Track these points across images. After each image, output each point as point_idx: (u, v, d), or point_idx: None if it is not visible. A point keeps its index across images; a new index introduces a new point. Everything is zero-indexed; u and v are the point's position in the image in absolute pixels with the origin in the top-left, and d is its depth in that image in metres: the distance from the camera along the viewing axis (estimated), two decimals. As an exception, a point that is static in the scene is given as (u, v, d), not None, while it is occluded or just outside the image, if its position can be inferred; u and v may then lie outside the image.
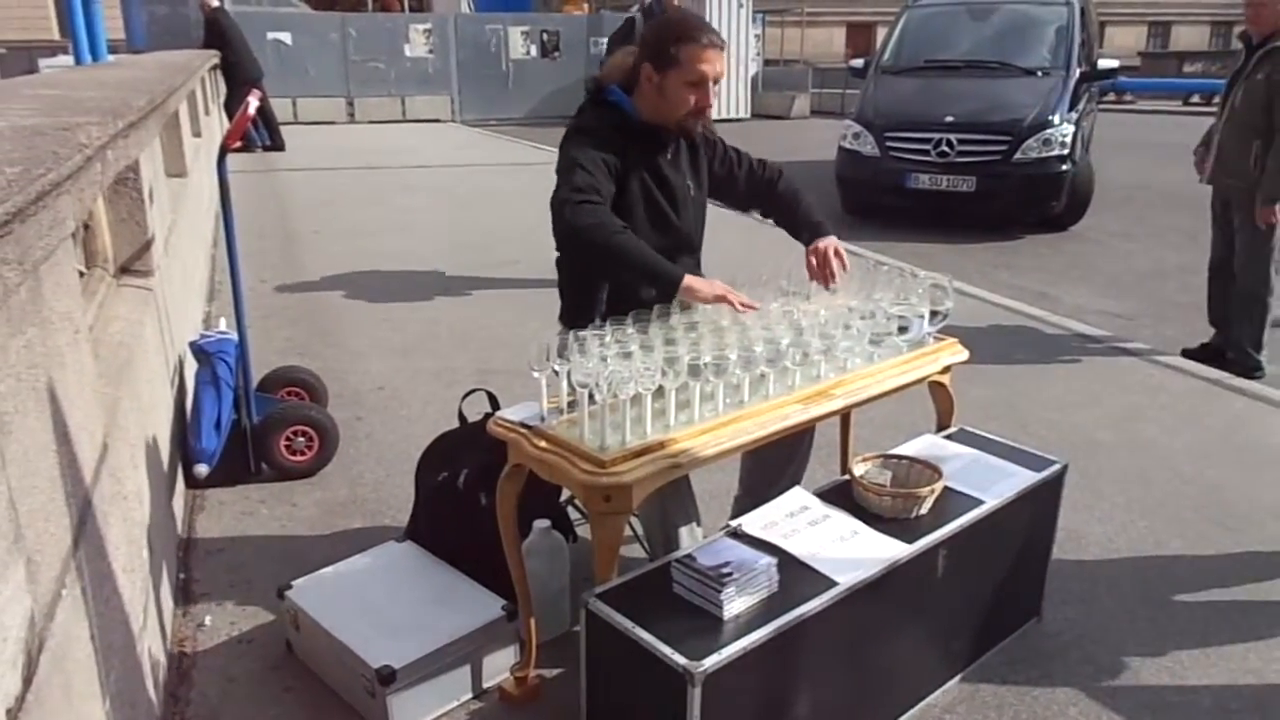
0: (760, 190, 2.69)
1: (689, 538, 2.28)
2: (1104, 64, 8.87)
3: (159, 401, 2.88)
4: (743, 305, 2.17)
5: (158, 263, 3.23)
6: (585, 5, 25.36)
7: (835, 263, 2.47)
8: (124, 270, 3.07)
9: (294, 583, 2.41)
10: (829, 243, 2.51)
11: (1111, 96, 22.36)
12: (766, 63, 24.04)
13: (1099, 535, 3.02)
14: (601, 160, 2.34)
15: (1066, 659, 2.42)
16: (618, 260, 2.24)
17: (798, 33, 27.47)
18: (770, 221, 2.74)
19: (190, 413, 3.26)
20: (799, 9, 27.86)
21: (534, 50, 20.09)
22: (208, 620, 2.56)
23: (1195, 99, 24.02)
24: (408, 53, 19.18)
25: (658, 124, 2.43)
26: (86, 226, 2.84)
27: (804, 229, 2.59)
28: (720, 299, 2.17)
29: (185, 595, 2.68)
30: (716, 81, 2.39)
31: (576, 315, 2.45)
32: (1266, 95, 4.33)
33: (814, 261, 2.50)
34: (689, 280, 2.18)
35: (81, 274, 2.71)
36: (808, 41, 28.35)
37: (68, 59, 7.23)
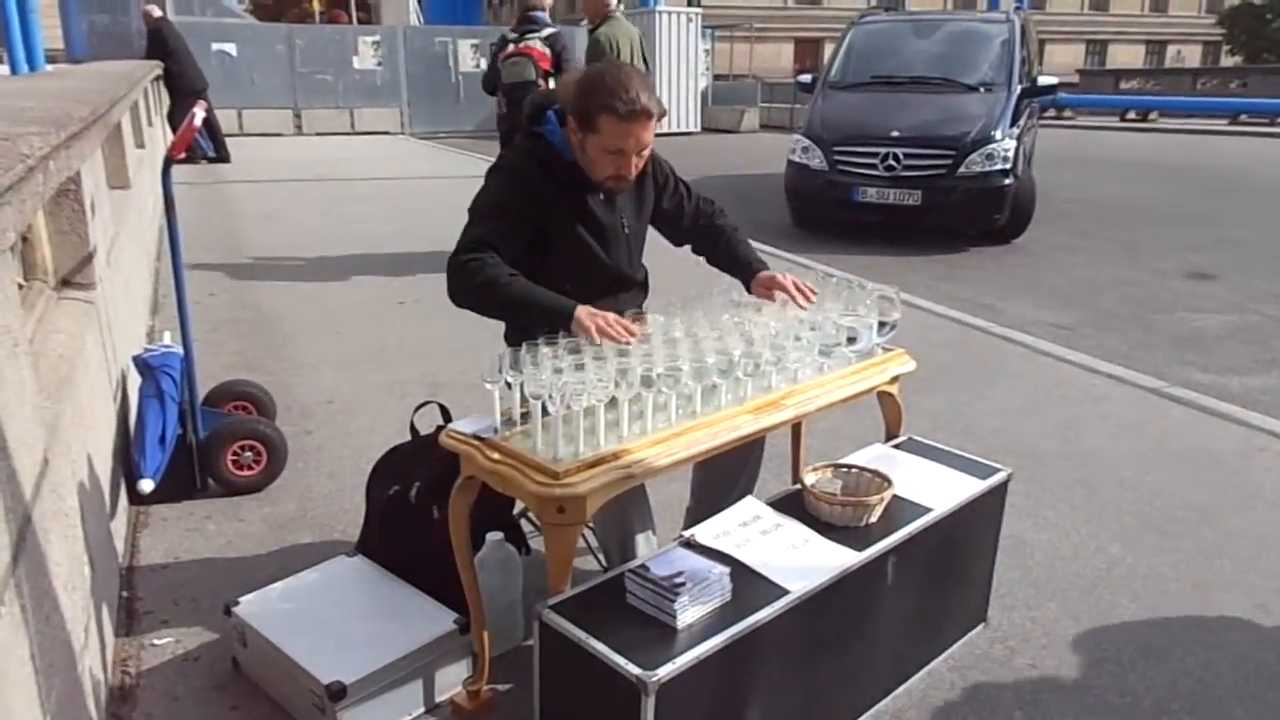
0: (701, 224, 2.67)
1: (645, 546, 2.29)
2: (1044, 81, 9.08)
3: (101, 416, 2.83)
4: (626, 334, 2.07)
5: (100, 275, 3.17)
6: (535, 19, 25.33)
7: (798, 288, 2.45)
8: (65, 283, 3.01)
9: (241, 599, 2.37)
10: (784, 274, 2.50)
11: (1052, 113, 22.93)
12: (716, 78, 24.26)
13: (1043, 541, 3.09)
14: (513, 207, 2.29)
15: (1012, 663, 2.47)
16: (507, 310, 2.28)
17: (746, 48, 27.74)
18: (703, 258, 2.71)
19: (134, 428, 3.20)
20: (748, 25, 28.17)
21: (484, 63, 20.03)
22: (152, 639, 2.50)
23: (1131, 115, 24.78)
24: (356, 65, 19.05)
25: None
26: (25, 238, 2.78)
27: (747, 263, 2.58)
28: (601, 332, 2.07)
29: (129, 613, 2.62)
30: (642, 150, 2.28)
31: (520, 334, 2.42)
32: None
33: (780, 283, 2.46)
34: (578, 313, 2.11)
35: (21, 286, 2.65)
36: (756, 57, 28.65)
37: (2, 69, 7.06)
